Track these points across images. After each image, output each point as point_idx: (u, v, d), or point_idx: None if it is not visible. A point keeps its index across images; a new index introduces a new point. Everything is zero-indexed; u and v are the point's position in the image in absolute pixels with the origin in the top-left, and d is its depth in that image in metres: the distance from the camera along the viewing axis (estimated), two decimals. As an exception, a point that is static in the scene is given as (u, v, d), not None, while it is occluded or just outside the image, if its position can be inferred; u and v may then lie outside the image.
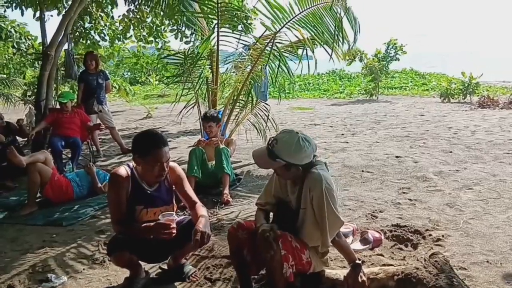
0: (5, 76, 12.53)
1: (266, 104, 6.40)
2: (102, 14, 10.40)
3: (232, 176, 5.16)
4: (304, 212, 2.49)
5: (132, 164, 2.89)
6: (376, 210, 4.21)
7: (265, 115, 6.15)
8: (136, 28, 10.78)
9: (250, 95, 6.12)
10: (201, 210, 2.85)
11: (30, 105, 10.33)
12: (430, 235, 3.54)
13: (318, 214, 2.43)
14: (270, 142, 2.45)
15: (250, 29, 7.82)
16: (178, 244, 2.86)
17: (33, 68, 12.19)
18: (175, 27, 9.87)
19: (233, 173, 5.26)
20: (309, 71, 5.49)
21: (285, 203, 2.64)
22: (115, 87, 13.27)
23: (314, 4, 5.41)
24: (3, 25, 10.29)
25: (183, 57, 6.18)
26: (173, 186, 2.97)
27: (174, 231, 2.61)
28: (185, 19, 7.93)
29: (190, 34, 9.54)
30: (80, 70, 7.98)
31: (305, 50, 5.56)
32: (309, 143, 2.43)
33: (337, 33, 5.33)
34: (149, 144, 2.71)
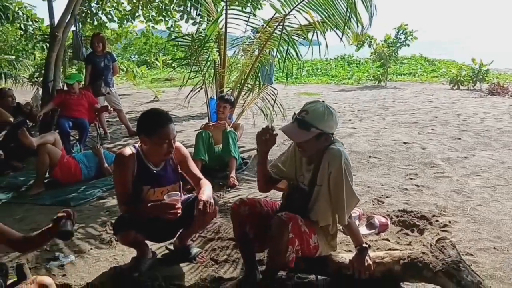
0: (13, 57, 12.52)
1: (274, 88, 6.36)
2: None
3: (238, 160, 5.16)
4: (319, 189, 2.47)
5: (137, 144, 2.90)
6: (382, 195, 4.20)
7: (272, 99, 6.12)
8: (144, 8, 10.68)
9: (258, 79, 6.08)
10: (205, 184, 2.89)
11: (38, 87, 10.35)
12: (437, 221, 3.53)
13: (335, 190, 2.42)
14: (299, 114, 2.43)
15: (259, 8, 7.69)
16: (184, 222, 2.87)
17: (41, 50, 12.16)
18: (181, 8, 9.77)
19: (240, 157, 5.26)
20: (320, 55, 5.39)
21: (295, 185, 2.62)
22: (123, 70, 13.24)
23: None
24: (10, 6, 10.25)
25: (190, 39, 6.14)
26: (178, 166, 2.99)
27: (180, 211, 2.62)
28: (192, 0, 7.82)
29: (197, 15, 9.45)
30: (88, 52, 7.95)
31: (315, 34, 5.48)
32: (334, 111, 2.46)
33: (349, 15, 5.21)
34: (155, 123, 2.72)
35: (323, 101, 2.49)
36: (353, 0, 5.19)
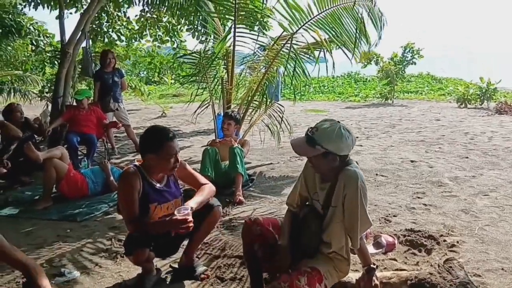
0: (21, 72, 12.69)
1: (280, 105, 6.39)
2: (119, 14, 10.49)
3: (245, 176, 5.16)
4: (333, 211, 2.44)
5: (136, 163, 2.91)
6: (389, 214, 4.17)
7: (279, 116, 6.14)
8: (152, 28, 10.85)
9: (265, 96, 6.12)
10: (203, 189, 2.92)
11: (47, 102, 10.46)
12: (445, 240, 3.50)
13: (349, 212, 2.39)
14: (310, 130, 2.42)
15: (266, 28, 7.80)
16: (188, 234, 2.86)
17: (51, 66, 12.34)
18: (191, 27, 9.92)
19: (246, 173, 5.26)
20: (327, 73, 5.44)
21: (311, 209, 2.59)
22: (131, 86, 13.38)
23: (334, 5, 5.36)
24: (22, 22, 10.43)
25: (198, 56, 6.21)
26: (178, 179, 3.04)
27: (191, 224, 2.61)
28: (200, 19, 7.92)
29: (203, 34, 9.57)
30: (96, 68, 8.05)
31: (322, 52, 5.52)
32: (349, 134, 2.40)
33: (358, 35, 5.27)
34: (161, 139, 2.76)
35: (338, 122, 2.43)
36: (362, 20, 5.24)
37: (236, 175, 4.93)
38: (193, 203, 2.74)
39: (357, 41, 5.30)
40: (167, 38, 11.10)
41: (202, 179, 3.04)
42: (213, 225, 3.08)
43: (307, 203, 2.66)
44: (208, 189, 2.94)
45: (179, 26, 10.69)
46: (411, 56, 14.32)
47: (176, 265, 3.16)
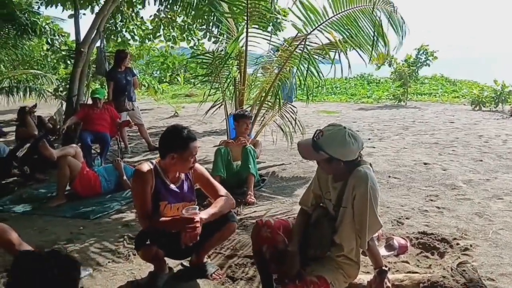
0: (39, 72, 12.86)
1: (293, 106, 6.38)
2: (133, 14, 10.58)
3: (256, 177, 5.16)
4: (344, 211, 2.43)
5: (154, 161, 2.94)
6: (402, 216, 4.14)
7: (292, 117, 6.13)
8: (166, 28, 10.92)
9: (278, 97, 6.11)
10: (218, 201, 2.89)
11: (62, 101, 10.57)
12: (458, 244, 3.46)
13: (358, 214, 2.37)
14: (316, 134, 2.41)
15: (279, 29, 7.80)
16: (202, 239, 2.87)
17: (65, 65, 12.49)
18: (204, 27, 9.96)
19: (257, 173, 5.26)
20: (342, 74, 5.41)
21: (324, 211, 2.58)
22: (144, 86, 13.46)
23: (351, 7, 5.33)
24: (38, 21, 10.56)
25: (211, 57, 6.23)
26: (196, 184, 3.03)
27: (198, 225, 2.61)
28: (214, 19, 7.96)
29: (217, 34, 9.62)
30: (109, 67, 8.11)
31: (337, 53, 5.49)
32: (355, 140, 2.36)
33: (375, 37, 5.23)
34: (186, 139, 2.80)
35: (344, 127, 2.40)
36: (381, 24, 5.20)
37: (248, 175, 4.93)
38: (204, 213, 2.72)
39: (375, 43, 5.26)
40: (183, 37, 11.15)
41: (221, 190, 3.00)
42: (225, 237, 3.08)
43: (320, 204, 2.64)
44: (223, 202, 2.89)
45: (194, 25, 10.73)
46: (425, 58, 14.20)
47: (187, 264, 3.18)
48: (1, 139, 8.38)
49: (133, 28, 10.84)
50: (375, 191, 2.38)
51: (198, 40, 11.24)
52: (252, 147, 5.13)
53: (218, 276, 3.05)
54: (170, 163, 2.84)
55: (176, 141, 2.80)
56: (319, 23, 5.44)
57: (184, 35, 11.11)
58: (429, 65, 14.32)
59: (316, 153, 2.38)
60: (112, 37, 10.64)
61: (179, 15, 10.46)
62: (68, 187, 4.96)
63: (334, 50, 5.60)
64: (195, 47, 11.26)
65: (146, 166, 2.86)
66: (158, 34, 11.14)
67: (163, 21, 10.67)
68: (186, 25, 10.77)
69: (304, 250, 2.50)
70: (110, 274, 3.16)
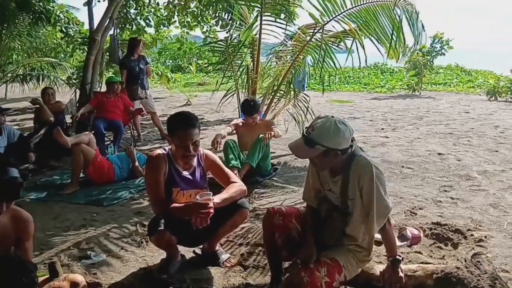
0: (53, 60, 12.92)
1: (306, 95, 6.33)
2: (147, 0, 10.56)
3: (268, 166, 5.13)
4: (353, 203, 2.40)
5: (168, 147, 2.95)
6: (415, 207, 4.10)
7: (305, 106, 6.09)
8: (180, 14, 10.89)
9: (291, 86, 6.07)
10: (231, 187, 2.89)
11: (75, 89, 10.63)
12: (472, 235, 3.42)
13: (368, 203, 2.35)
14: (306, 131, 2.38)
15: (293, 16, 7.71)
16: (215, 226, 2.87)
17: (80, 52, 12.54)
18: (216, 14, 9.91)
19: (270, 163, 5.23)
20: (360, 64, 5.36)
21: (326, 200, 2.55)
22: (157, 74, 13.47)
23: (370, 1, 5.26)
24: (52, 10, 10.58)
25: (224, 45, 6.20)
26: (208, 172, 3.03)
27: (212, 210, 2.61)
28: (226, 5, 7.88)
29: (229, 20, 9.55)
30: (122, 55, 8.12)
31: (353, 43, 5.42)
32: (345, 126, 2.33)
33: (394, 38, 5.18)
34: (177, 124, 2.79)
35: (332, 116, 2.36)
36: (400, 22, 5.14)
37: (245, 164, 4.90)
38: (217, 198, 2.72)
39: (392, 39, 5.21)
40: (195, 23, 11.12)
41: (233, 177, 3.01)
42: (238, 224, 3.07)
43: (322, 196, 2.60)
44: (236, 188, 2.90)
45: (207, 11, 10.68)
46: (440, 47, 13.98)
47: (200, 252, 3.19)
48: (15, 126, 8.47)
49: (147, 15, 10.82)
50: (380, 174, 2.36)
51: (210, 27, 11.20)
52: (266, 143, 5.05)
53: (230, 263, 3.06)
54: (172, 148, 2.87)
55: (170, 124, 2.84)
56: (336, 14, 5.37)
57: (197, 22, 11.06)
58: (444, 54, 14.10)
59: (311, 149, 2.33)
60: (127, 25, 10.63)
61: (192, 1, 10.40)
62: (81, 174, 5.00)
63: (350, 39, 5.53)
64: (207, 32, 11.22)
65: (159, 152, 2.88)
66: (173, 20, 11.12)
67: (177, 7, 10.63)
68: (199, 11, 10.71)
69: (317, 243, 2.49)
70: (123, 261, 3.19)
